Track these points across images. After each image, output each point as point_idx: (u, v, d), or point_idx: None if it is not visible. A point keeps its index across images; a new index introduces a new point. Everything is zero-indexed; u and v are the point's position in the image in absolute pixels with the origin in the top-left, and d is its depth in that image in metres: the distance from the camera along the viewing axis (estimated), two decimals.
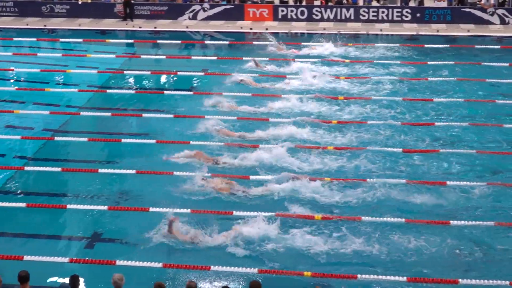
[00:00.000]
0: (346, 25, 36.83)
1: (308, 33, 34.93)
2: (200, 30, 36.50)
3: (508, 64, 30.17)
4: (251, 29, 36.18)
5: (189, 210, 17.95)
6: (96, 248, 16.53)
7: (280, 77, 28.13)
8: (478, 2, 37.58)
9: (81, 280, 14.03)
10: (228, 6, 38.19)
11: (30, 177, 20.38)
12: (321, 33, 34.03)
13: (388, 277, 15.34)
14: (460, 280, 15.25)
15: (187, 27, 36.90)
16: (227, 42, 33.61)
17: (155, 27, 36.79)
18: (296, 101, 25.39)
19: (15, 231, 17.41)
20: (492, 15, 36.73)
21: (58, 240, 16.95)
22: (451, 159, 21.03)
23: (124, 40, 36.37)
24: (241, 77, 27.48)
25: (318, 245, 16.47)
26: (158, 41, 35.37)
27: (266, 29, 35.78)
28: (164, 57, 32.15)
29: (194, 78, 28.40)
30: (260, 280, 13.48)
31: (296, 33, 35.51)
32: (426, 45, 33.40)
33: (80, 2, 38.46)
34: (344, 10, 37.32)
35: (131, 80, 29.30)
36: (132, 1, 37.92)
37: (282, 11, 37.83)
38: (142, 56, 32.49)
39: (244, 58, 30.67)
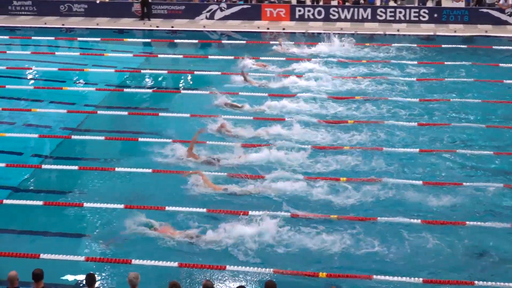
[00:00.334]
0: (363, 25, 36.77)
1: (324, 32, 34.86)
2: (217, 30, 36.55)
3: None
4: (268, 29, 36.19)
5: (205, 210, 18.01)
6: (111, 247, 16.56)
7: (297, 76, 28.12)
8: (496, 3, 37.40)
9: (97, 278, 14.14)
10: (245, 6, 38.22)
11: (48, 175, 20.50)
12: (339, 33, 33.96)
13: (404, 278, 15.31)
14: (476, 282, 15.20)
15: (204, 26, 36.96)
16: (244, 42, 33.60)
17: (172, 27, 36.88)
18: (310, 101, 25.41)
19: (32, 229, 17.50)
20: (510, 15, 36.55)
21: (75, 238, 16.99)
22: (467, 160, 20.97)
23: (141, 40, 36.51)
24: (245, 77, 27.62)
25: (333, 245, 16.47)
26: (175, 41, 35.46)
27: (283, 29, 35.78)
28: (181, 56, 32.20)
29: (211, 78, 28.41)
30: (275, 280, 13.46)
31: (313, 32, 35.45)
32: (443, 46, 33.30)
33: (98, 1, 38.60)
34: (361, 10, 37.26)
35: (148, 79, 29.38)
36: (150, 1, 38.02)
37: (299, 11, 37.81)
38: (159, 56, 32.57)
39: (260, 58, 30.72)
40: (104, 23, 37.57)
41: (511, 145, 22.07)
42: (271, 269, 15.54)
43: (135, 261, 15.79)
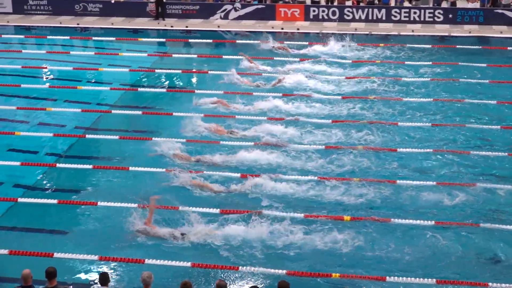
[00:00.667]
0: (378, 26, 36.70)
1: (339, 33, 34.90)
2: (231, 30, 36.57)
3: None
4: (282, 29, 36.18)
5: (218, 210, 18.04)
6: (125, 246, 16.62)
7: (308, 76, 28.14)
8: (511, 3, 37.23)
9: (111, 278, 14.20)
10: (259, 6, 38.23)
11: (62, 174, 20.57)
12: (352, 34, 33.94)
13: (417, 279, 15.27)
14: (489, 283, 15.16)
15: (218, 26, 37.00)
16: (258, 42, 33.61)
17: (186, 26, 36.94)
18: (326, 101, 25.41)
19: (46, 227, 17.56)
20: None
21: (88, 237, 17.03)
22: (481, 161, 20.90)
23: (156, 39, 36.60)
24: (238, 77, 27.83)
25: (346, 246, 16.46)
26: (190, 40, 35.51)
27: (298, 29, 35.76)
28: (195, 56, 32.24)
29: (225, 78, 28.42)
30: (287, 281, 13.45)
31: (327, 32, 35.42)
32: (458, 46, 33.20)
33: (113, 1, 38.71)
34: (375, 10, 37.19)
35: (163, 78, 29.43)
36: (164, 0, 38.10)
37: (314, 11, 37.78)
38: (173, 55, 32.63)
39: (275, 58, 30.74)
40: (119, 22, 37.67)
41: None
42: (284, 270, 15.54)
43: (148, 261, 15.83)
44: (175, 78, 29.03)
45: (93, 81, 29.23)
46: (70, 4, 38.82)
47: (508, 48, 33.21)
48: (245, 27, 36.95)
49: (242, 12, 38.09)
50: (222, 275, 15.37)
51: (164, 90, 26.47)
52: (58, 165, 20.88)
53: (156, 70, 30.20)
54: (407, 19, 37.09)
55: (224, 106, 24.94)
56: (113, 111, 25.23)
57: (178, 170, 19.65)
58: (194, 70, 28.73)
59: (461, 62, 30.34)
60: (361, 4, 38.14)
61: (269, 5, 38.35)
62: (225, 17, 38.15)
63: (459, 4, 38.22)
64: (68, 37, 35.22)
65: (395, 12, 37.17)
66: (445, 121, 23.88)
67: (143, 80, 29.24)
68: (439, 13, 36.95)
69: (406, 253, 16.30)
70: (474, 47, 33.18)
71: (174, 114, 24.50)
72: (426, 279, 15.28)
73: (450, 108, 25.13)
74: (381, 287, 15.21)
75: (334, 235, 16.79)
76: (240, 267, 15.64)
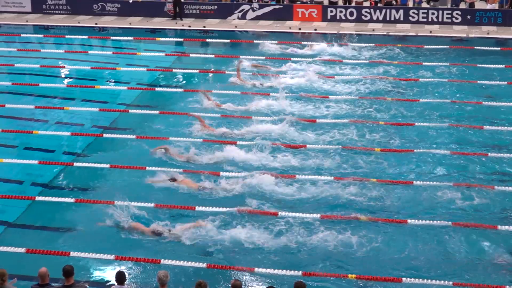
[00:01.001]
0: (395, 26, 36.59)
1: (357, 33, 34.86)
2: (249, 30, 36.59)
3: None
4: (299, 29, 36.14)
5: (235, 210, 18.06)
6: (141, 246, 16.66)
7: (329, 78, 28.12)
8: None
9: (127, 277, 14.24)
10: (277, 6, 38.21)
11: (79, 172, 20.64)
12: (370, 34, 33.88)
13: (433, 281, 15.23)
14: (507, 286, 15.08)
15: (236, 26, 37.03)
16: (275, 42, 33.62)
17: (204, 26, 36.98)
18: (341, 102, 25.39)
19: (63, 226, 17.62)
20: None
21: (105, 236, 17.09)
22: (499, 163, 20.81)
23: (173, 39, 36.68)
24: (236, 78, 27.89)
25: (362, 247, 16.45)
26: (207, 40, 35.57)
27: (315, 29, 35.71)
28: (212, 56, 32.27)
29: (242, 78, 28.45)
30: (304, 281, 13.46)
31: (346, 33, 35.39)
32: (476, 47, 33.06)
33: (131, 1, 38.81)
34: (393, 11, 37.07)
35: (180, 78, 29.48)
36: (182, 0, 38.17)
37: (331, 11, 37.72)
38: (191, 55, 32.69)
39: (292, 59, 30.74)
40: (136, 22, 37.77)
41: None
42: (300, 271, 15.54)
43: (164, 261, 15.87)
44: (192, 78, 29.04)
45: (110, 80, 29.33)
46: (88, 3, 38.97)
47: None
48: (262, 27, 36.95)
49: (260, 12, 38.08)
50: (237, 276, 15.37)
51: (181, 90, 26.47)
52: (75, 164, 20.96)
53: (174, 70, 30.25)
54: (425, 20, 36.95)
55: (216, 105, 25.08)
56: (130, 111, 25.31)
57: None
58: (211, 70, 28.73)
59: (479, 64, 30.19)
60: (379, 5, 38.05)
61: (287, 5, 38.34)
62: (243, 17, 38.17)
63: (478, 5, 38.02)
64: (86, 37, 35.36)
65: (413, 13, 37.04)
66: (462, 122, 23.77)
67: (161, 79, 29.30)
68: (457, 14, 36.78)
69: (422, 255, 16.27)
70: (493, 48, 32.99)
71: (191, 114, 24.47)
72: (442, 281, 15.23)
73: (467, 109, 25.01)
74: None
75: (350, 236, 16.78)
76: (255, 268, 15.65)
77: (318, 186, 19.20)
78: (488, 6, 37.10)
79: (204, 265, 15.79)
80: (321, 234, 16.86)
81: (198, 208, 17.97)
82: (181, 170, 20.06)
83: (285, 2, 38.81)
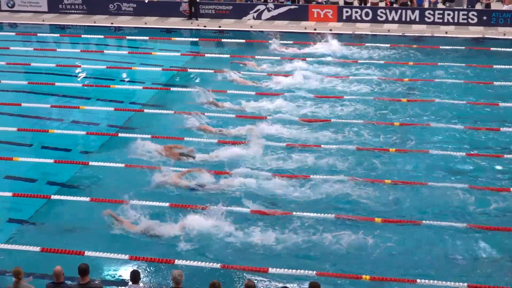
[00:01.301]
0: (411, 27, 36.51)
1: (372, 34, 34.84)
2: (264, 30, 36.59)
3: None
4: (315, 29, 36.11)
5: (248, 210, 18.05)
6: (155, 246, 16.69)
7: (343, 78, 28.11)
8: None
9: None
10: (292, 6, 38.23)
11: (95, 172, 20.67)
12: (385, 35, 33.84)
13: (448, 283, 15.17)
14: None
15: (251, 26, 37.05)
16: (291, 42, 33.61)
17: (219, 26, 37.04)
18: (357, 102, 25.37)
19: (78, 225, 17.65)
20: None
21: (120, 236, 17.11)
22: None
23: (188, 39, 36.76)
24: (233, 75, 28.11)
25: (377, 248, 16.41)
26: (222, 40, 35.60)
27: (330, 29, 35.68)
28: (228, 56, 32.30)
29: (257, 77, 28.47)
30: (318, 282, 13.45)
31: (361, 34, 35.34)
32: (492, 49, 32.93)
33: (146, 1, 38.93)
34: (409, 12, 36.99)
35: (195, 78, 29.51)
36: (198, 0, 38.24)
37: (347, 12, 37.67)
38: (206, 55, 32.72)
39: (307, 59, 30.73)
40: (152, 22, 37.88)
41: None
42: (314, 271, 15.53)
43: (177, 261, 15.90)
44: (207, 78, 29.06)
45: (126, 80, 29.44)
46: (104, 3, 39.12)
47: None
48: (278, 27, 36.95)
49: (275, 12, 38.09)
50: (251, 276, 15.37)
51: (196, 90, 26.52)
52: (90, 163, 21.01)
53: (189, 70, 30.30)
54: (440, 20, 36.83)
55: (215, 105, 25.20)
56: (145, 110, 25.36)
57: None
58: (226, 70, 28.79)
59: (495, 65, 30.07)
60: (395, 6, 37.98)
61: (302, 6, 38.33)
62: (258, 17, 38.19)
63: (494, 6, 37.88)
64: (102, 36, 35.50)
65: (429, 13, 36.95)
66: (478, 124, 23.68)
67: (176, 79, 29.35)
68: (473, 15, 36.64)
69: (437, 256, 16.22)
70: (509, 49, 32.84)
71: (206, 114, 24.51)
72: (457, 283, 15.17)
73: (483, 111, 24.92)
74: None
75: (365, 237, 16.75)
76: (269, 268, 15.65)
77: (332, 187, 19.17)
78: (505, 7, 36.96)
79: (218, 265, 15.81)
80: (335, 234, 16.83)
81: (211, 207, 17.92)
82: (196, 169, 20.07)
83: (300, 3, 38.79)
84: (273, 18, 38.10)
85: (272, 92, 26.69)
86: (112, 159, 21.22)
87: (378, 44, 32.82)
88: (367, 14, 37.40)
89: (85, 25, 37.48)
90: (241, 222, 17.37)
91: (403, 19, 37.10)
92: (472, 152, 21.47)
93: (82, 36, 35.83)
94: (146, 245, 16.65)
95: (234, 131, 22.85)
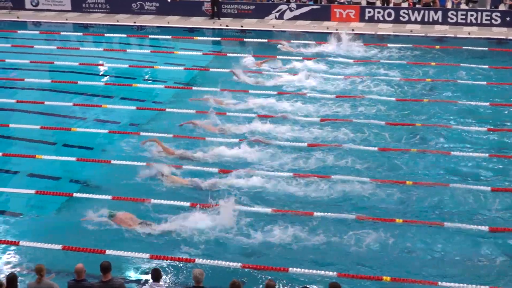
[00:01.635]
0: (434, 28, 36.36)
1: (395, 34, 34.73)
2: (286, 30, 36.59)
3: None
4: (336, 29, 36.02)
5: (269, 210, 18.08)
6: (175, 245, 16.73)
7: (358, 77, 28.07)
8: None
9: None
10: (314, 7, 38.20)
11: (116, 170, 20.75)
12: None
13: (469, 286, 15.10)
14: None
15: (273, 26, 37.07)
16: (313, 42, 33.58)
17: (241, 26, 37.09)
18: (379, 102, 25.32)
19: (99, 223, 17.65)
20: None
21: (141, 235, 17.16)
22: None
23: (211, 38, 36.82)
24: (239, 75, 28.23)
25: (397, 249, 16.38)
26: (245, 40, 35.64)
27: (352, 30, 35.63)
28: (250, 55, 32.30)
29: (278, 77, 28.45)
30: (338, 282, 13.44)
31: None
32: None
33: (169, 0, 39.05)
34: (432, 12, 36.85)
35: (217, 77, 29.53)
36: (220, 0, 38.31)
37: (369, 12, 37.59)
38: (228, 54, 32.77)
39: (331, 59, 30.71)
40: (174, 21, 37.99)
41: None
42: (335, 272, 15.51)
43: (198, 260, 15.94)
44: (229, 77, 29.10)
45: (148, 79, 29.54)
46: (127, 2, 39.30)
47: None
48: (300, 27, 36.94)
49: (297, 12, 38.08)
50: (271, 276, 15.38)
51: (217, 89, 26.57)
52: (113, 161, 21.10)
53: (211, 69, 30.35)
54: (463, 21, 36.66)
55: (217, 103, 25.23)
56: (167, 109, 25.42)
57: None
58: (248, 69, 28.83)
59: None
60: (417, 6, 37.84)
61: (324, 6, 38.29)
62: (280, 17, 38.20)
63: None
64: (125, 35, 35.67)
65: (452, 14, 36.78)
66: (501, 126, 23.55)
67: (198, 78, 29.41)
68: (496, 15, 36.44)
69: (458, 258, 16.15)
70: None
71: (227, 114, 24.55)
72: (478, 285, 15.10)
73: (506, 112, 24.78)
74: None
75: (385, 238, 16.73)
76: (290, 268, 15.66)
77: (353, 187, 19.16)
78: None
79: (239, 265, 15.83)
80: (356, 235, 16.82)
81: (231, 207, 17.92)
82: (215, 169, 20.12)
83: (322, 3, 38.75)
84: (295, 18, 38.09)
85: (293, 92, 26.67)
86: (135, 157, 21.27)
87: (401, 45, 32.70)
88: (389, 15, 37.31)
89: (108, 24, 37.67)
90: (261, 222, 17.38)
91: (426, 19, 36.97)
92: (495, 154, 21.35)
93: (105, 35, 36.03)
94: (167, 244, 16.71)
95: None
